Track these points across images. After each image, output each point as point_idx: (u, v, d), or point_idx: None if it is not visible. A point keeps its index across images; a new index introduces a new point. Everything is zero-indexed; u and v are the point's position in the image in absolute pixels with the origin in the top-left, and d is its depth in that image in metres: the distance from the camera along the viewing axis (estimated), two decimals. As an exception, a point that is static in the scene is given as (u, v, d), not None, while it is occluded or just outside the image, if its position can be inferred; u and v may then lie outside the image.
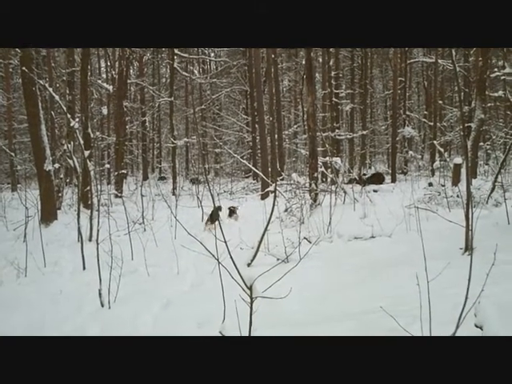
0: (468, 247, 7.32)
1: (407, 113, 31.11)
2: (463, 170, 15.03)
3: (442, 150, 18.76)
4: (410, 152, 28.41)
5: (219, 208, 13.04)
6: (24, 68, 13.23)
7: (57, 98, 12.23)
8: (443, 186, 15.20)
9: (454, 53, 8.74)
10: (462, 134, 28.27)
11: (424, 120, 33.07)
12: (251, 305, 3.90)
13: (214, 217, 11.31)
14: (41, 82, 13.10)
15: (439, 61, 28.51)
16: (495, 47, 19.17)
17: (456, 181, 15.08)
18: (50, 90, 12.41)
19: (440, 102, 29.75)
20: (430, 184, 18.16)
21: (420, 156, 30.90)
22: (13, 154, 28.66)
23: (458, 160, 15.68)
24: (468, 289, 3.65)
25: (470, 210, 7.14)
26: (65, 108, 12.62)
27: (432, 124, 28.60)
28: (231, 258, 4.29)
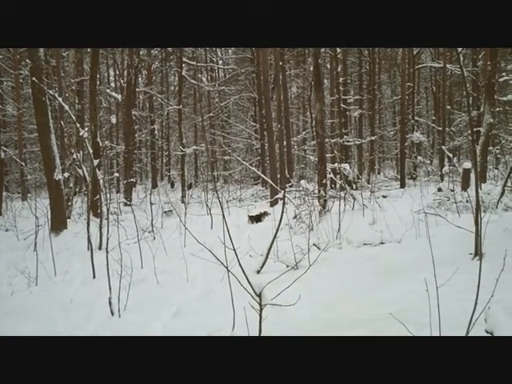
0: (477, 252, 7.29)
1: (416, 118, 31.00)
2: (472, 175, 14.99)
3: (450, 155, 18.72)
4: (419, 157, 28.34)
5: (266, 213, 15.73)
6: (34, 78, 13.32)
7: (66, 107, 12.30)
8: (452, 191, 15.14)
9: (461, 57, 8.72)
10: (470, 138, 28.22)
11: (433, 125, 32.99)
12: (260, 312, 3.91)
13: (260, 217, 15.39)
14: (50, 92, 13.15)
15: (447, 65, 28.46)
16: (501, 47, 19.14)
17: (465, 186, 15.03)
18: (60, 99, 12.47)
19: (448, 107, 29.67)
20: (439, 189, 18.07)
21: (429, 161, 30.83)
22: (23, 163, 28.85)
23: (467, 165, 15.63)
24: (478, 294, 3.64)
25: (479, 215, 7.12)
26: (74, 117, 12.68)
27: (441, 129, 28.52)
28: (240, 265, 4.30)
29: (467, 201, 12.39)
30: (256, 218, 15.42)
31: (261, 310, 3.88)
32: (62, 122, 19.93)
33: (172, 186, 34.51)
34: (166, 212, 17.91)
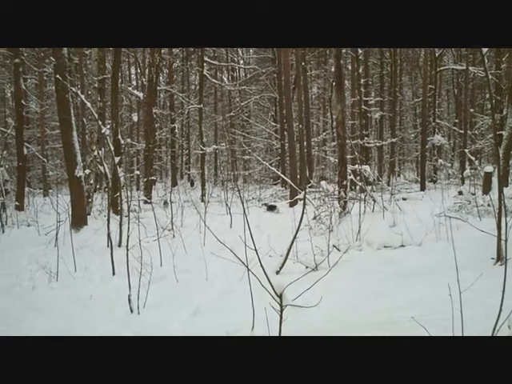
0: (500, 257, 7.22)
1: (437, 120, 30.77)
2: (494, 179, 14.86)
3: (473, 158, 18.55)
4: (440, 160, 28.10)
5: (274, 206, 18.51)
6: (58, 76, 13.43)
7: (88, 105, 12.36)
8: (473, 194, 15.01)
9: (486, 60, 8.63)
10: (493, 142, 27.94)
11: (454, 128, 32.71)
12: (281, 313, 3.89)
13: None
14: (73, 89, 13.25)
15: (470, 68, 28.19)
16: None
17: (487, 189, 14.88)
18: (83, 97, 12.55)
19: (472, 109, 29.39)
20: (460, 192, 17.94)
21: (450, 164, 30.58)
22: (45, 159, 29.13)
23: (489, 168, 15.48)
24: (502, 300, 3.59)
25: (504, 218, 7.04)
26: (96, 115, 12.75)
27: (462, 132, 28.29)
28: (261, 265, 4.29)
29: (489, 204, 12.27)
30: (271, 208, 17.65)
31: (281, 310, 3.86)
32: (84, 119, 20.09)
33: (191, 184, 34.65)
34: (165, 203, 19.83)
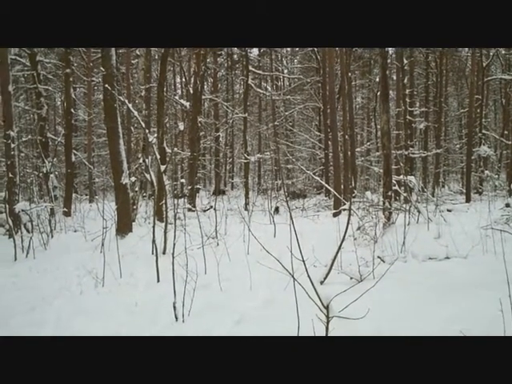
0: (550, 272, 7.05)
1: (483, 131, 30.28)
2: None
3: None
4: (486, 171, 27.61)
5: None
6: (106, 85, 13.68)
7: (136, 113, 12.55)
8: (522, 207, 14.71)
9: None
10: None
11: (501, 139, 32.11)
12: (327, 324, 3.88)
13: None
14: (121, 98, 13.48)
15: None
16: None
17: (536, 202, 14.57)
18: (130, 106, 12.77)
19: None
20: (508, 205, 17.57)
21: (496, 176, 30.04)
22: (91, 166, 29.69)
23: (539, 181, 15.15)
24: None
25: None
26: (143, 124, 12.92)
27: (510, 143, 27.74)
28: (309, 276, 4.29)
29: (538, 218, 12.02)
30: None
31: (328, 321, 3.85)
32: (132, 128, 20.42)
33: (224, 193, 34.24)
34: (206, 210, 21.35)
